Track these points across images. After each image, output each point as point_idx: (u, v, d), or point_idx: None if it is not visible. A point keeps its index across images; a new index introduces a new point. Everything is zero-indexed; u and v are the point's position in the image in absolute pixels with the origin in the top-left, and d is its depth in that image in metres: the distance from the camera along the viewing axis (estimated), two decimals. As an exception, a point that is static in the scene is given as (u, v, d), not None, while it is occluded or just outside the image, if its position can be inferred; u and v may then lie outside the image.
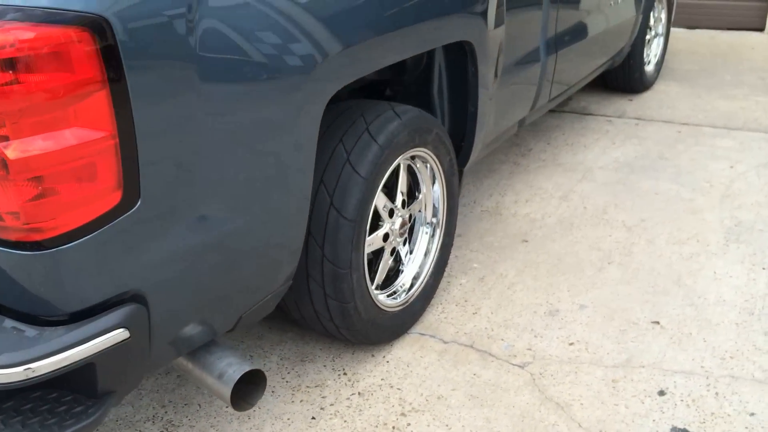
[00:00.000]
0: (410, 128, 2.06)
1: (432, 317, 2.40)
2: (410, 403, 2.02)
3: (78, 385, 1.36)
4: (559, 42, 3.10)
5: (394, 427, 1.93)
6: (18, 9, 1.13)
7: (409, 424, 1.94)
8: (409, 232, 2.38)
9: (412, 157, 2.21)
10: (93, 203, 1.25)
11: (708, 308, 2.40)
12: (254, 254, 1.63)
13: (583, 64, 3.55)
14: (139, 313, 1.37)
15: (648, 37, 4.58)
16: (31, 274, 1.26)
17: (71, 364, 1.26)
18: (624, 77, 4.56)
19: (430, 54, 2.43)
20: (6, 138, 1.14)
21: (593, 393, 2.03)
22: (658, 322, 2.33)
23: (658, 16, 4.71)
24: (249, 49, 1.44)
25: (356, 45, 1.71)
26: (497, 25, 2.42)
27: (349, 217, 1.89)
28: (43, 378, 1.24)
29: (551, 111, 4.48)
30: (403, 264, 2.33)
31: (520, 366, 2.15)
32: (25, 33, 1.12)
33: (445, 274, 2.65)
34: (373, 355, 2.22)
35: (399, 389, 2.07)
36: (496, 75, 2.53)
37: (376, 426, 1.94)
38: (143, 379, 1.70)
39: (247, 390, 1.74)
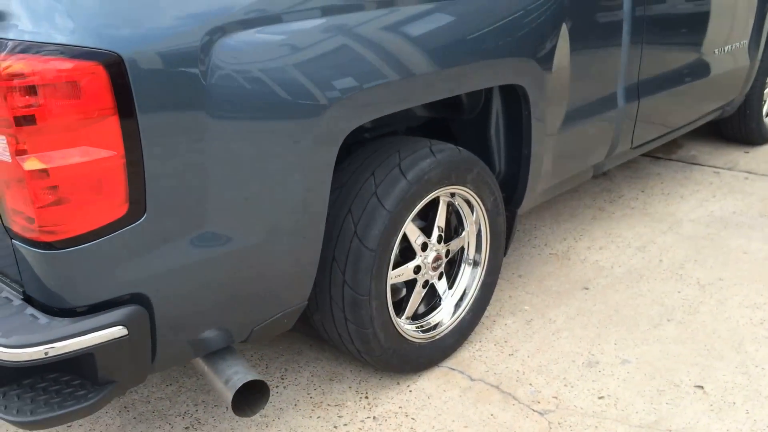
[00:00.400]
0: (445, 166, 2.12)
1: (467, 353, 2.42)
2: (420, 435, 2.06)
3: (85, 372, 1.54)
4: (643, 88, 3.02)
5: (397, 455, 1.98)
6: (40, 44, 1.34)
7: (413, 454, 1.98)
8: (452, 268, 2.43)
9: (452, 195, 2.27)
10: (100, 213, 1.43)
11: (762, 379, 2.24)
12: (261, 274, 1.76)
13: (677, 113, 3.41)
14: (140, 314, 1.53)
15: (770, 86, 4.31)
16: (44, 270, 1.46)
17: (71, 351, 1.44)
18: (739, 127, 4.31)
19: (488, 94, 2.48)
20: (25, 152, 1.35)
21: (608, 450, 1.97)
22: (701, 387, 2.21)
23: (785, 65, 4.42)
24: (260, 88, 1.58)
25: (370, 89, 1.79)
26: (556, 68, 2.43)
27: (370, 246, 1.98)
28: (43, 361, 1.43)
29: (654, 158, 4.32)
30: (441, 298, 2.37)
31: (540, 413, 2.12)
32: (46, 64, 1.33)
33: (493, 313, 2.66)
34: (398, 383, 2.27)
35: (413, 419, 2.11)
36: (556, 119, 2.53)
37: (381, 451, 1.99)
38: (150, 374, 1.87)
39: (254, 398, 1.87)
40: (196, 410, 2.17)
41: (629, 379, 2.26)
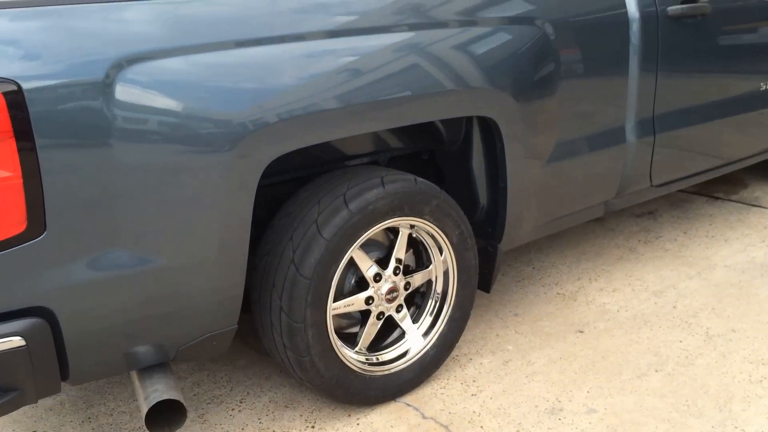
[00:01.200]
0: (395, 197, 2.10)
1: (429, 390, 2.35)
2: (352, 469, 2.02)
3: (-9, 377, 1.65)
4: (660, 123, 2.85)
5: (322, 487, 1.96)
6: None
7: (337, 488, 1.95)
8: (420, 302, 2.39)
9: (412, 226, 2.24)
10: (-1, 229, 1.54)
11: (738, 442, 2.03)
12: (174, 297, 1.80)
13: (711, 151, 3.18)
14: (40, 327, 1.62)
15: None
16: (-54, 279, 1.58)
17: (-36, 357, 1.55)
18: (809, 168, 3.96)
19: (469, 126, 2.44)
20: None
21: (539, 503, 1.86)
22: (665, 445, 2.04)
23: None
24: (164, 120, 1.64)
25: (285, 120, 1.80)
26: (537, 102, 2.35)
27: (306, 275, 1.99)
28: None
29: (711, 197, 4.04)
30: (404, 332, 2.33)
31: (479, 457, 2.04)
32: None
33: (473, 350, 2.58)
34: (349, 415, 2.25)
35: (349, 452, 2.09)
36: (540, 154, 2.44)
37: (308, 482, 1.98)
38: (74, 385, 1.95)
39: (176, 417, 1.91)
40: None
41: (588, 429, 2.12)
